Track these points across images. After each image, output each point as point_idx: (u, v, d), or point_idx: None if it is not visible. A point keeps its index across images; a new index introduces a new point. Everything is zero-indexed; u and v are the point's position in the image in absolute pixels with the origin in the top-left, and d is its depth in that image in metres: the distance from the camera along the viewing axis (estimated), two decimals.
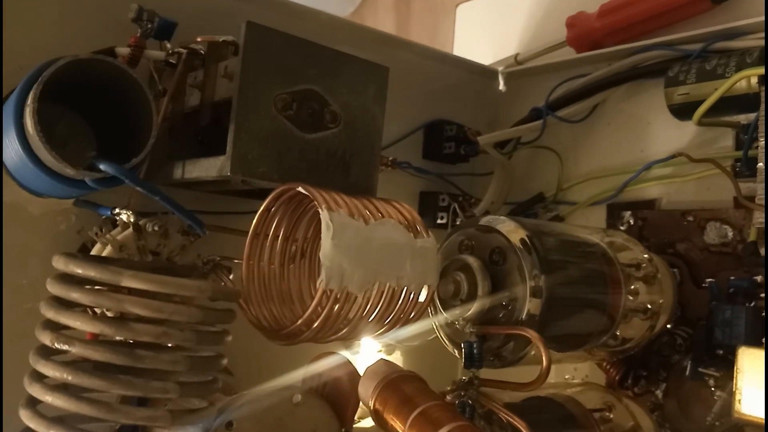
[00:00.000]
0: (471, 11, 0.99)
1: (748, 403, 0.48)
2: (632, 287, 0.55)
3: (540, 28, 0.83)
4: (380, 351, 0.64)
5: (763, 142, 0.50)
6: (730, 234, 0.59)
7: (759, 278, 0.56)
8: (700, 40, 0.61)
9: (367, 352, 0.61)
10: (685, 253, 0.62)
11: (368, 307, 0.46)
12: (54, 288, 0.41)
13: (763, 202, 0.49)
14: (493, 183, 0.73)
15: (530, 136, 0.74)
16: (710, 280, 0.59)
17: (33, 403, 0.41)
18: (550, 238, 0.53)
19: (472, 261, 0.50)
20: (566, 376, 0.69)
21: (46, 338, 0.40)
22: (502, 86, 0.81)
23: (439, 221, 0.73)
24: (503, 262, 0.50)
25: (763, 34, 0.57)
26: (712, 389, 0.56)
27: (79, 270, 0.41)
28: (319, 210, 0.44)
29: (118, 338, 0.42)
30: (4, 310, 0.50)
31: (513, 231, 0.51)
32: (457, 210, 0.72)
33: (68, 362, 0.41)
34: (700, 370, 0.56)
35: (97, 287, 0.42)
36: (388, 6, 1.37)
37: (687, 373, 0.57)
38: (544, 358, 0.46)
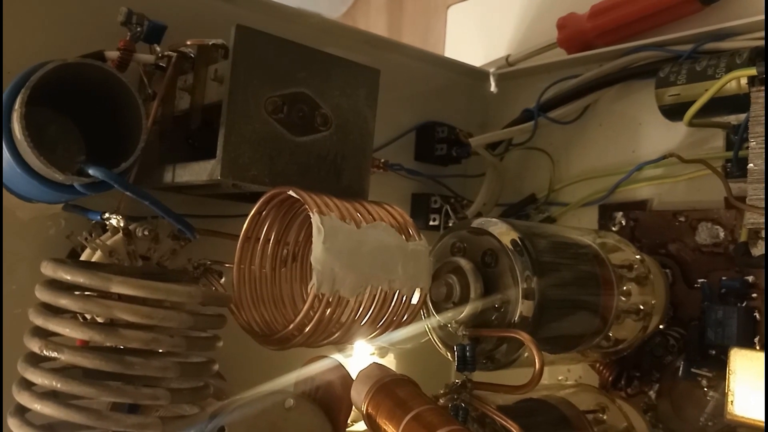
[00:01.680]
0: (462, 12, 0.99)
1: (740, 405, 0.48)
2: (624, 288, 0.55)
3: (531, 30, 0.83)
4: (373, 354, 0.63)
5: (754, 142, 0.50)
6: (722, 234, 0.59)
7: (750, 278, 0.56)
8: (691, 41, 0.61)
9: (359, 356, 0.61)
10: (677, 253, 0.62)
11: (360, 310, 0.46)
12: (42, 294, 0.41)
13: (754, 202, 0.49)
14: (484, 185, 0.73)
15: (522, 138, 0.74)
16: (702, 280, 0.59)
17: (21, 412, 0.40)
18: (542, 240, 0.52)
19: (464, 263, 0.50)
20: (559, 378, 0.69)
21: (34, 345, 0.40)
22: (493, 87, 0.81)
23: (431, 223, 0.73)
24: (495, 265, 0.50)
25: (753, 35, 0.58)
26: (705, 389, 0.56)
27: (67, 276, 0.40)
28: (310, 213, 0.43)
29: (108, 345, 0.41)
30: None
31: (505, 233, 0.51)
32: (449, 212, 0.72)
33: (57, 369, 0.40)
34: (693, 370, 0.57)
35: (86, 293, 0.42)
36: (380, 7, 1.37)
37: (680, 373, 0.57)
38: (536, 360, 0.45)
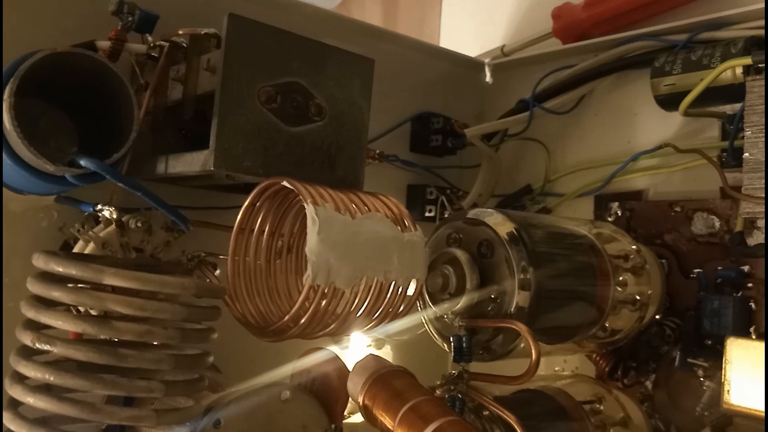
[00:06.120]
0: (457, 3, 0.99)
1: (736, 394, 0.48)
2: (621, 278, 0.55)
3: (526, 20, 0.83)
4: (369, 346, 0.63)
5: (750, 132, 0.50)
6: (717, 224, 0.59)
7: (746, 268, 0.56)
8: (686, 31, 0.61)
9: (356, 347, 0.61)
10: (673, 243, 0.62)
11: (356, 302, 0.45)
12: (34, 287, 0.41)
13: (749, 192, 0.49)
14: (480, 175, 0.73)
15: (517, 128, 0.74)
16: (698, 270, 0.59)
17: (15, 405, 0.40)
18: (538, 231, 0.52)
19: (460, 254, 0.50)
20: (556, 369, 0.69)
21: (26, 338, 0.40)
22: (488, 78, 0.81)
23: (427, 214, 0.73)
24: (491, 255, 0.50)
25: (748, 25, 0.58)
26: (701, 379, 0.56)
27: (59, 268, 0.40)
28: (305, 204, 0.43)
29: (101, 337, 0.41)
30: None
31: (501, 223, 0.50)
32: (445, 203, 0.72)
33: (50, 362, 0.40)
34: (689, 360, 0.57)
35: (79, 285, 0.41)
36: None
37: (676, 363, 0.57)
38: (533, 350, 0.45)
